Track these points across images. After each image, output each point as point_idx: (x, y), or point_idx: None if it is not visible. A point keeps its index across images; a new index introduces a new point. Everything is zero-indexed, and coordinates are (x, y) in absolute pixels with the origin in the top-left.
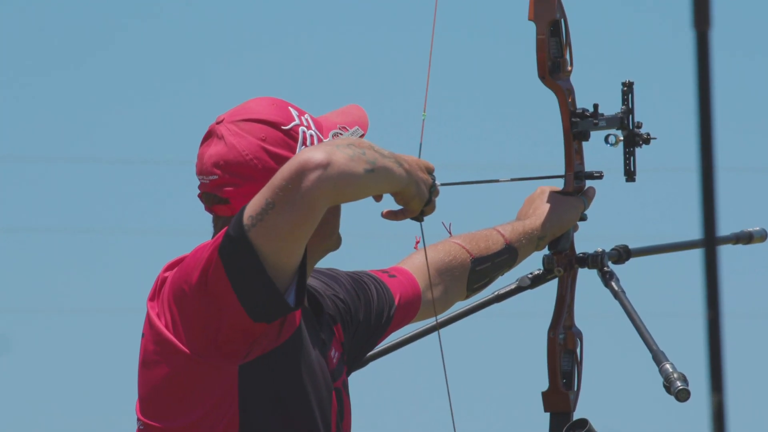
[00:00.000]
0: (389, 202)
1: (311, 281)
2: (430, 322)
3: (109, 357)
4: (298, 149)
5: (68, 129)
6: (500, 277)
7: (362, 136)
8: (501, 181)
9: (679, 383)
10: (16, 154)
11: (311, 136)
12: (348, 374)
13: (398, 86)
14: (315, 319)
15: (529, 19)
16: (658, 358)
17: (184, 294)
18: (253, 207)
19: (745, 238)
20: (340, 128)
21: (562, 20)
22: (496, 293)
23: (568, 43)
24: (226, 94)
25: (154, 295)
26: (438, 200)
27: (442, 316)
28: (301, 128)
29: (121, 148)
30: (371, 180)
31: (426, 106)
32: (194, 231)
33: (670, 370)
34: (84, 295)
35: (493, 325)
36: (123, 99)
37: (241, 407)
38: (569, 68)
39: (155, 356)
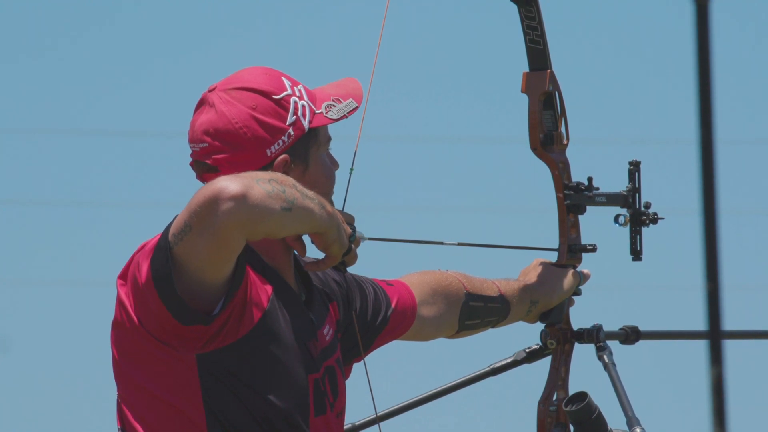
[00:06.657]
0: (312, 253)
1: (306, 258)
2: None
3: (92, 329)
4: (289, 119)
5: (49, 101)
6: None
7: (356, 108)
8: (446, 244)
9: None
10: None
11: (303, 106)
12: (346, 362)
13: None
14: (302, 302)
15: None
16: (631, 422)
17: (136, 282)
18: (176, 225)
19: None
20: (333, 100)
21: (556, 93)
22: (491, 366)
23: (563, 116)
24: (214, 70)
25: (125, 274)
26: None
27: (436, 388)
28: (292, 98)
29: (104, 120)
30: (288, 218)
31: (354, 162)
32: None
33: None
34: (70, 267)
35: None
36: (106, 71)
37: (204, 393)
38: (565, 141)
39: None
